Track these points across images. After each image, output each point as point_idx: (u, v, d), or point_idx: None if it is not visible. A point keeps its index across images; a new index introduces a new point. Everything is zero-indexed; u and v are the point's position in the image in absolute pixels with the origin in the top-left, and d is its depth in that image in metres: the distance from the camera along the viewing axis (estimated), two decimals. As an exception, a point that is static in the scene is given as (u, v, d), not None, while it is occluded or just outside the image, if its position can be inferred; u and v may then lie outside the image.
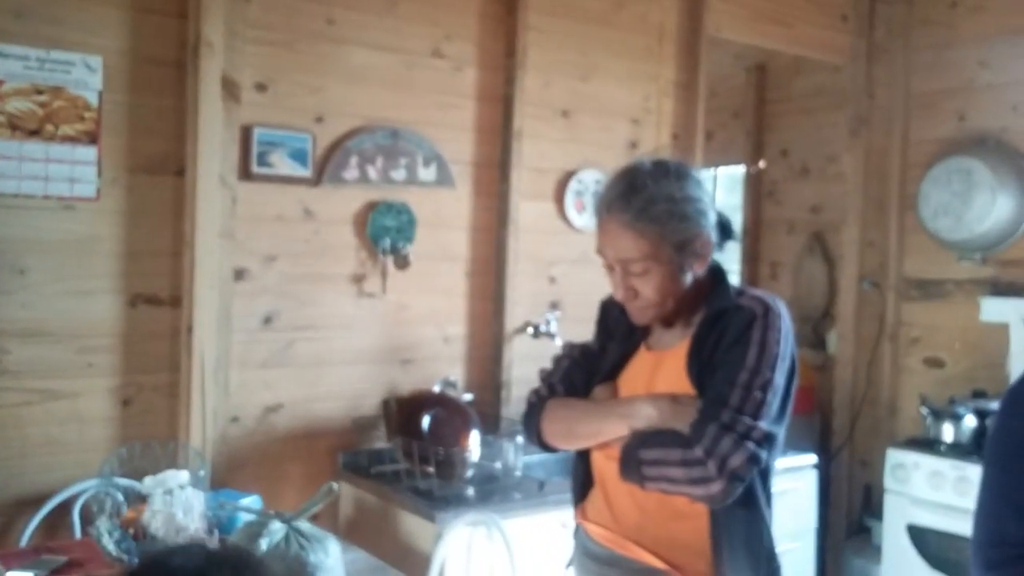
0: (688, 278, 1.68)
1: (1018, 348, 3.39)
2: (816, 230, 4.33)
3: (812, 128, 4.40)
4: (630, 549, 1.70)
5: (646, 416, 1.65)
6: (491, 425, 3.09)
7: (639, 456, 1.60)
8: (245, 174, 2.74)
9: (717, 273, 1.73)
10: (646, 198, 1.63)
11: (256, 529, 1.89)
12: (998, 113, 3.64)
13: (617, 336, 1.82)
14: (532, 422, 1.85)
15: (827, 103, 4.30)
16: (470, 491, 2.66)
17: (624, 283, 1.68)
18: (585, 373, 1.84)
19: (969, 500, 3.09)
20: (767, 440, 1.56)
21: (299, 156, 2.84)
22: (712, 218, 1.69)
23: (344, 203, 2.95)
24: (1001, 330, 3.47)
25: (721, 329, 1.64)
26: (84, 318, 2.55)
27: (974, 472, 3.13)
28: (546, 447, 1.85)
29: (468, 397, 3.07)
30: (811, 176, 4.40)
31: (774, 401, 1.58)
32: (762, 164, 4.61)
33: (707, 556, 1.62)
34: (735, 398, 1.57)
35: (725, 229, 1.76)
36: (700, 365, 1.64)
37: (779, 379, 1.59)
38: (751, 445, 1.54)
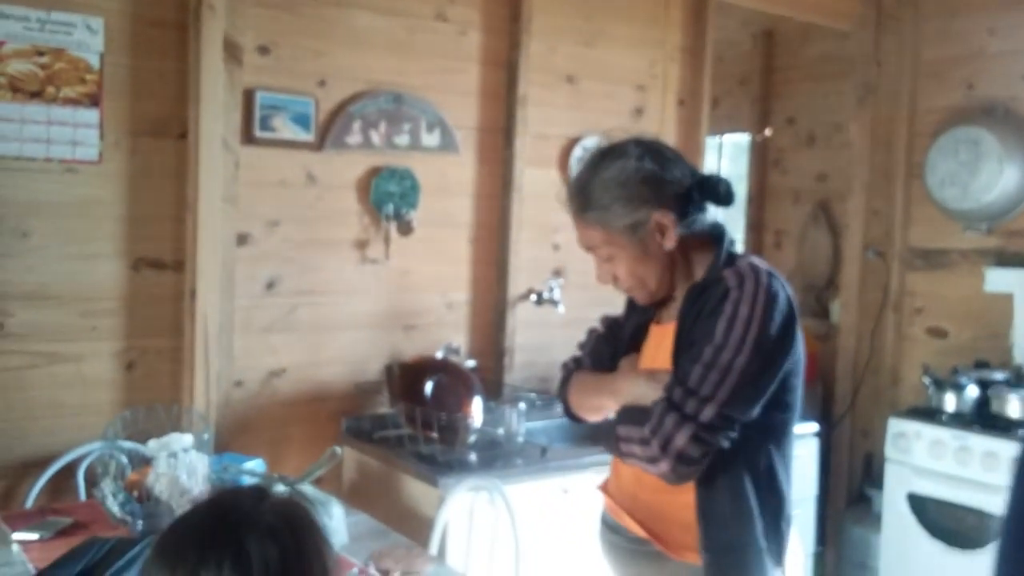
0: (661, 255, 1.65)
1: (1022, 319, 3.39)
2: (821, 199, 4.30)
3: (819, 96, 4.36)
4: (624, 519, 1.73)
5: (626, 392, 1.67)
6: (494, 391, 3.10)
7: (617, 432, 1.62)
8: (248, 138, 2.73)
9: (718, 241, 1.68)
10: (587, 188, 1.65)
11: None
12: (1007, 82, 3.60)
13: (637, 308, 1.81)
14: (561, 393, 1.87)
15: (835, 71, 4.25)
16: (472, 457, 2.67)
17: (600, 269, 1.71)
18: (611, 346, 1.83)
19: (970, 470, 3.12)
20: (723, 419, 1.51)
21: (302, 120, 2.82)
22: (672, 190, 1.64)
23: (347, 168, 2.94)
24: (1005, 300, 3.46)
25: (703, 302, 1.60)
26: (87, 281, 2.55)
27: (975, 442, 3.14)
28: (573, 418, 1.87)
29: (471, 363, 3.08)
30: (817, 144, 4.37)
31: (740, 379, 1.52)
32: (768, 132, 4.58)
33: (693, 531, 1.62)
34: (694, 376, 1.53)
35: (709, 192, 1.67)
36: (680, 340, 1.61)
37: (750, 356, 1.52)
38: (694, 426, 1.51)
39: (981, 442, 3.13)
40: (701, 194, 1.66)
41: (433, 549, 2.34)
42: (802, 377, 1.67)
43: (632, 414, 1.61)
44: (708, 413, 1.51)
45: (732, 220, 4.96)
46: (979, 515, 3.13)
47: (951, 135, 3.60)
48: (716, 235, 1.69)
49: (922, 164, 3.71)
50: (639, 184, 1.62)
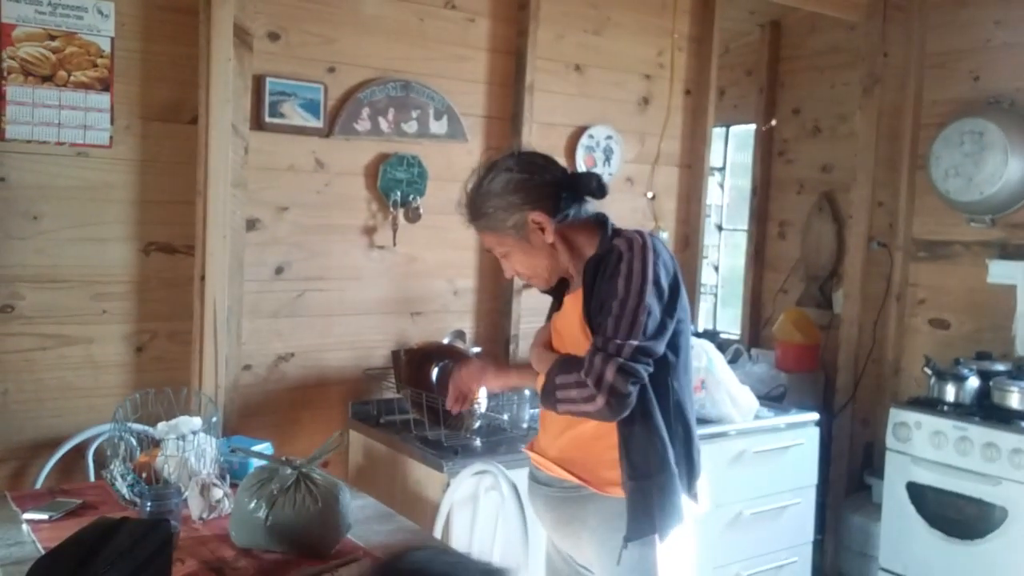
0: (545, 247, 1.90)
1: (1021, 309, 3.41)
2: (826, 190, 4.31)
3: (825, 86, 4.36)
4: (554, 470, 1.95)
5: (532, 358, 2.00)
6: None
7: (555, 383, 1.83)
8: (257, 124, 2.74)
9: (601, 224, 1.93)
10: (473, 201, 1.94)
11: (268, 475, 1.93)
12: (1013, 74, 3.60)
13: (556, 289, 2.05)
14: None
15: (841, 61, 4.25)
16: (477, 442, 2.70)
17: (504, 265, 2.00)
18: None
19: (969, 460, 3.15)
20: (640, 353, 1.76)
21: (311, 107, 2.84)
22: (543, 192, 1.87)
23: (356, 155, 2.95)
24: (1008, 292, 3.47)
25: (603, 269, 1.83)
26: (98, 265, 2.57)
27: (976, 432, 3.16)
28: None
29: (477, 350, 3.10)
30: (822, 135, 4.38)
31: (647, 320, 1.77)
32: (773, 122, 4.58)
33: (617, 467, 1.86)
34: (610, 327, 1.77)
35: (581, 188, 1.91)
36: (589, 303, 1.85)
37: (649, 300, 1.78)
38: (620, 360, 1.74)
39: (981, 433, 3.15)
40: (572, 191, 1.91)
41: (437, 532, 2.37)
42: (689, 322, 1.94)
43: (566, 364, 1.84)
44: (627, 350, 1.76)
45: (737, 210, 4.97)
46: (979, 505, 3.16)
47: (956, 126, 3.61)
48: (600, 221, 1.94)
49: (927, 155, 3.72)
50: (513, 192, 1.88)
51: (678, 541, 1.88)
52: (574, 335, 1.89)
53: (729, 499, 3.12)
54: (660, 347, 1.80)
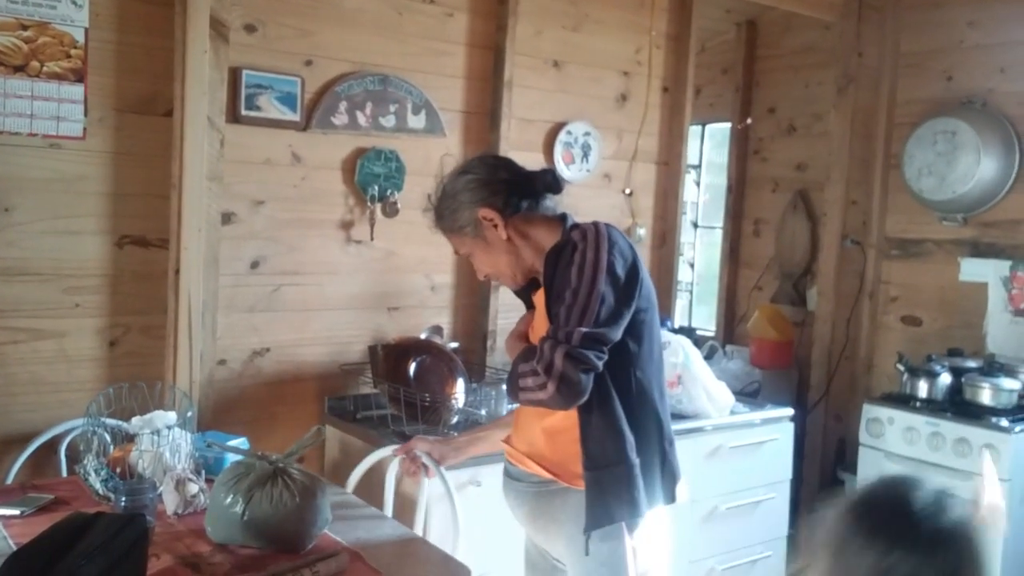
0: (502, 243, 1.93)
1: (995, 308, 3.46)
2: (800, 188, 4.35)
3: (800, 86, 4.40)
4: (528, 464, 1.96)
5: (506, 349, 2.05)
6: (477, 373, 3.12)
7: (516, 370, 1.84)
8: (233, 117, 2.72)
9: (562, 219, 1.96)
10: (437, 206, 2.00)
11: (244, 470, 1.92)
12: (986, 74, 3.65)
13: (530, 287, 2.08)
14: None
15: (816, 61, 4.29)
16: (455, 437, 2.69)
17: (475, 267, 2.04)
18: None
19: (941, 455, 3.19)
20: (590, 340, 1.75)
21: (288, 100, 2.82)
22: (494, 188, 1.92)
23: (333, 149, 2.94)
24: (979, 290, 3.53)
25: (559, 261, 1.85)
26: (71, 258, 2.54)
27: (947, 428, 3.20)
28: None
29: (454, 345, 3.09)
30: (797, 134, 4.41)
31: (599, 307, 1.77)
32: (749, 121, 4.61)
33: (580, 461, 1.86)
34: (561, 315, 1.78)
35: (535, 183, 1.94)
36: (549, 296, 1.87)
37: (603, 288, 1.78)
38: (566, 347, 1.74)
39: (953, 429, 3.19)
40: (527, 186, 1.94)
41: (417, 528, 2.36)
42: (655, 312, 1.93)
43: (527, 354, 1.84)
44: (576, 337, 1.75)
45: (712, 208, 5.01)
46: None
47: (929, 126, 3.65)
48: (561, 217, 1.96)
49: (900, 154, 3.76)
50: (464, 191, 1.94)
51: (650, 535, 1.88)
52: (542, 329, 1.89)
53: (704, 494, 3.13)
54: (614, 334, 1.79)
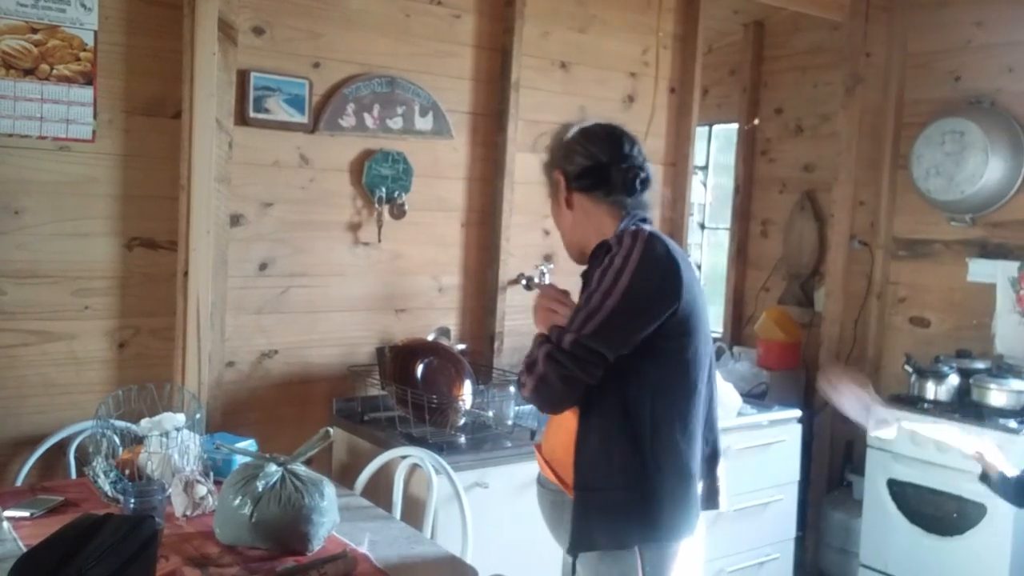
0: (566, 212, 1.93)
1: (1003, 308, 3.45)
2: (808, 189, 4.34)
3: (808, 86, 4.39)
4: (547, 471, 1.94)
5: None
6: (484, 375, 3.12)
7: (524, 361, 1.84)
8: (241, 119, 2.73)
9: (624, 218, 1.91)
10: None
11: (252, 471, 1.93)
12: (993, 74, 3.64)
13: None
14: None
15: (824, 61, 4.28)
16: (462, 439, 2.70)
17: None
18: None
19: (949, 457, 3.18)
20: (578, 347, 1.72)
21: (296, 102, 2.83)
22: (578, 160, 1.91)
23: (340, 151, 2.94)
24: (988, 291, 3.51)
25: (599, 261, 1.82)
26: (80, 260, 2.55)
27: (956, 429, 3.18)
28: None
29: (461, 347, 3.10)
30: (805, 134, 4.40)
31: (605, 318, 1.73)
32: (756, 121, 4.60)
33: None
34: (572, 316, 1.77)
35: (611, 174, 1.89)
36: (581, 294, 1.85)
37: (616, 299, 1.73)
38: (552, 347, 1.74)
39: (961, 430, 3.17)
40: (601, 174, 1.90)
41: (426, 531, 2.37)
42: (700, 344, 1.83)
43: (535, 343, 1.85)
44: (567, 340, 1.73)
45: (719, 209, 5.00)
46: (958, 501, 3.20)
47: (937, 126, 3.64)
48: (627, 216, 1.91)
49: (908, 155, 3.75)
50: (558, 148, 1.97)
51: (672, 562, 1.82)
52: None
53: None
54: (613, 349, 1.73)
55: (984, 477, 2.45)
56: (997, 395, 3.22)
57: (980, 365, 3.39)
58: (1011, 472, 2.35)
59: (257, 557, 1.84)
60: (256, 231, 2.80)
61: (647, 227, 1.85)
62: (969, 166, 3.54)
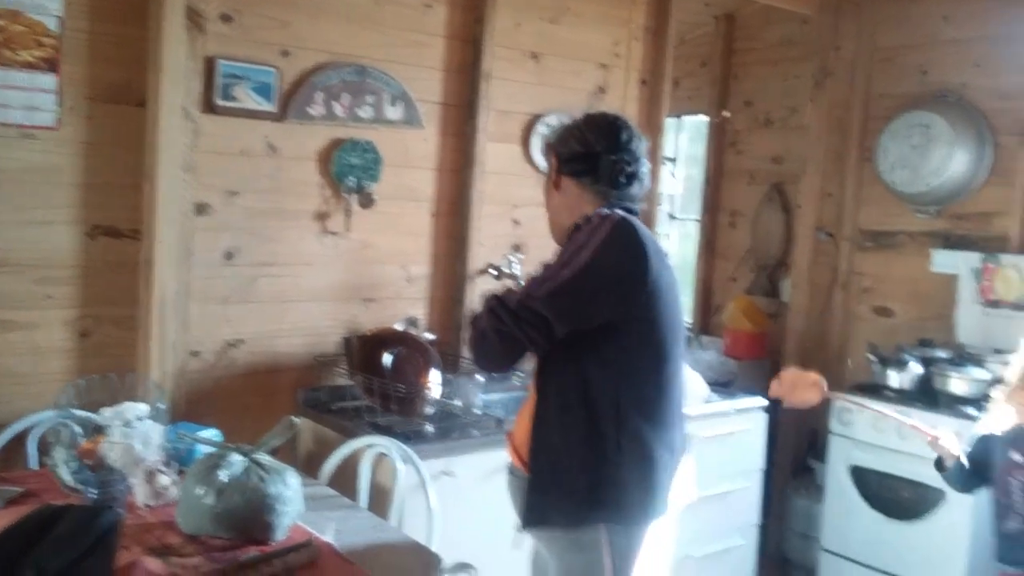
0: (555, 194, 1.99)
1: (965, 299, 3.50)
2: (776, 180, 4.38)
3: (777, 79, 4.42)
4: (513, 456, 1.97)
5: None
6: (452, 364, 3.13)
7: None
8: (208, 107, 2.71)
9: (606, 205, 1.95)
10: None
11: (216, 461, 1.92)
12: (960, 69, 3.68)
13: None
14: None
15: (793, 55, 4.32)
16: (429, 428, 2.70)
17: None
18: None
19: (910, 444, 3.23)
20: (523, 310, 1.76)
21: (264, 90, 2.81)
22: (573, 145, 1.96)
23: (309, 140, 2.93)
24: (950, 281, 3.57)
25: (570, 239, 1.88)
26: (42, 249, 2.53)
27: (917, 417, 3.23)
28: None
29: (430, 337, 3.10)
30: (774, 127, 4.44)
31: (556, 287, 1.77)
32: (726, 114, 4.63)
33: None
34: (529, 282, 1.84)
35: (599, 164, 1.92)
36: None
37: (568, 271, 1.77)
38: (495, 302, 1.81)
39: (923, 418, 3.21)
40: (589, 163, 1.94)
41: (392, 520, 2.38)
42: (665, 324, 1.85)
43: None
44: (514, 300, 1.79)
45: (689, 200, 5.03)
46: (917, 487, 3.25)
47: (903, 119, 3.68)
48: (610, 204, 1.93)
49: (874, 147, 3.79)
50: (559, 129, 2.04)
51: (639, 545, 1.85)
52: None
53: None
54: (550, 315, 1.75)
55: (939, 464, 2.50)
56: (957, 383, 3.27)
57: (942, 354, 3.44)
58: (958, 454, 2.41)
59: (220, 547, 1.83)
60: (222, 220, 2.78)
61: (623, 214, 1.87)
62: (934, 159, 3.58)
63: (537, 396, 1.87)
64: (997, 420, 2.42)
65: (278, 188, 2.88)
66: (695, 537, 3.27)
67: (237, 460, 1.92)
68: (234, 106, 2.75)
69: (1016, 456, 2.36)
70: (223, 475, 1.88)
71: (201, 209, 2.73)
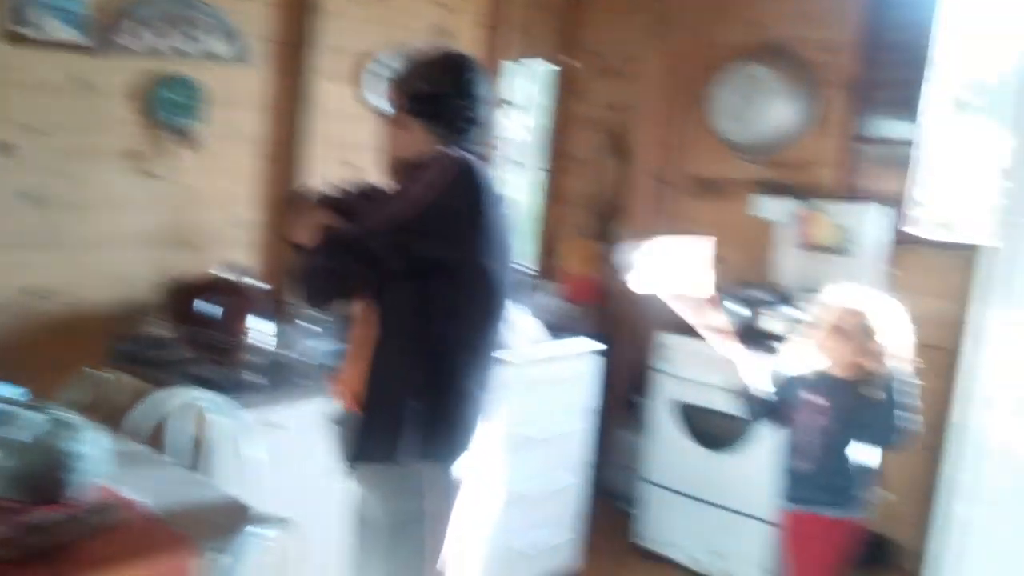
0: (394, 131, 1.98)
1: (785, 243, 3.70)
2: (614, 128, 4.44)
3: (618, 27, 4.45)
4: (341, 399, 2.00)
5: None
6: (284, 313, 3.05)
7: None
8: (10, 37, 2.49)
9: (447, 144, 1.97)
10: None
11: (5, 417, 1.81)
12: (792, 22, 3.82)
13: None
14: None
15: (635, 4, 4.36)
16: (253, 379, 2.63)
17: None
18: None
19: (723, 377, 3.37)
20: (356, 243, 1.80)
21: (73, 19, 2.61)
22: (414, 84, 1.97)
23: (125, 75, 2.75)
24: (772, 227, 3.75)
25: (410, 176, 1.90)
26: None
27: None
28: None
29: (263, 286, 3.00)
30: (612, 74, 4.49)
31: (389, 220, 1.82)
32: (577, 64, 4.63)
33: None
34: (365, 217, 1.88)
35: (432, 108, 1.95)
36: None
37: (406, 206, 1.81)
38: (328, 236, 1.83)
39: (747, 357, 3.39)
40: (431, 106, 1.95)
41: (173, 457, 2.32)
42: (498, 267, 1.91)
43: None
44: (349, 234, 1.82)
45: (535, 146, 5.04)
46: (731, 419, 3.42)
47: (736, 70, 3.80)
48: (461, 146, 1.95)
49: (707, 97, 3.90)
50: (406, 67, 2.03)
51: (450, 478, 1.92)
52: None
53: (516, 424, 3.22)
54: (385, 251, 1.80)
55: (743, 394, 2.62)
56: (773, 322, 3.46)
57: (763, 296, 3.62)
58: (759, 388, 2.54)
59: (11, 509, 1.74)
60: (26, 160, 2.59)
61: (467, 156, 1.88)
62: (762, 109, 3.72)
63: (378, 339, 1.89)
64: (796, 360, 2.56)
65: (90, 127, 2.71)
66: (530, 475, 3.36)
67: (28, 415, 1.82)
68: (39, 36, 2.55)
69: (816, 399, 2.50)
70: (13, 431, 1.78)
71: (4, 148, 2.53)
